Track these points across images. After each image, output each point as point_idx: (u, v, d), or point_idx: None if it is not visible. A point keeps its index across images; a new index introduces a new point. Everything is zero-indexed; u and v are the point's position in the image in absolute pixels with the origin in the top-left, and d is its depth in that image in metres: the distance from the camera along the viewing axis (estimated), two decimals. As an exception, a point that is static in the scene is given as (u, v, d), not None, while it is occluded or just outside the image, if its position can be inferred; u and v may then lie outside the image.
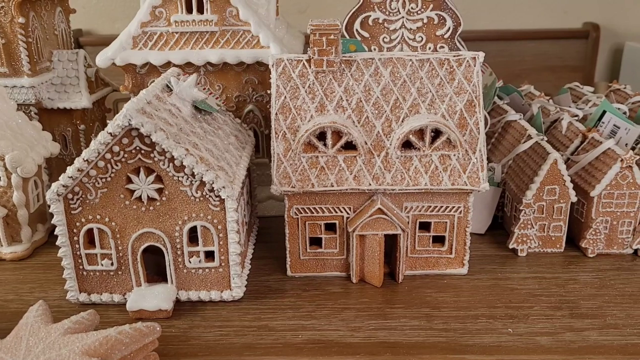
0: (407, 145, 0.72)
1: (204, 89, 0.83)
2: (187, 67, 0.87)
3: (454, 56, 0.73)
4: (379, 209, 0.71)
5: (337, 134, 0.71)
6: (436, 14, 0.86)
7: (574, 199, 0.79)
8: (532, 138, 0.84)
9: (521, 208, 0.79)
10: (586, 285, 0.74)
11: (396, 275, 0.75)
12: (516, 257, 0.81)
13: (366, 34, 0.87)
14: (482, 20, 1.92)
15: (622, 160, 0.76)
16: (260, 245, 0.85)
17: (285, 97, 0.73)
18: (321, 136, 0.71)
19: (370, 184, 0.71)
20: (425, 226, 0.75)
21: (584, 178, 0.80)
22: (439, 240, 0.76)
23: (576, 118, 0.91)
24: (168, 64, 0.86)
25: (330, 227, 0.75)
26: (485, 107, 1.03)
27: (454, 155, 0.71)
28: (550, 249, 0.81)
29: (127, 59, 0.86)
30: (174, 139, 0.64)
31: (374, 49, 0.88)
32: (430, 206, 0.73)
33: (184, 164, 0.63)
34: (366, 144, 0.72)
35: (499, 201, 0.88)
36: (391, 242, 0.75)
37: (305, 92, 0.73)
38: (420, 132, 0.71)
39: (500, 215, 0.90)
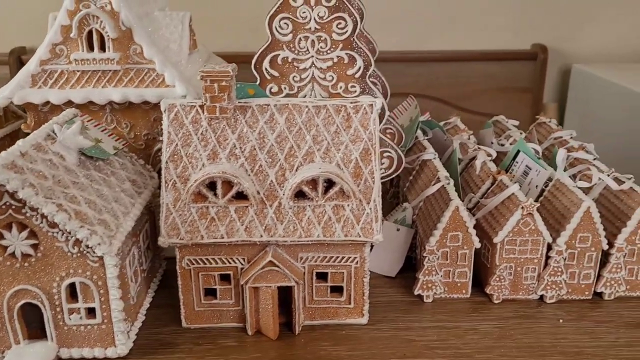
0: (300, 195, 0.70)
1: (104, 130, 0.80)
2: (91, 106, 0.84)
3: (351, 103, 0.72)
4: (270, 261, 0.69)
5: (228, 184, 0.69)
6: (346, 54, 0.84)
7: (478, 245, 0.78)
8: (440, 181, 0.83)
9: (424, 255, 0.78)
10: (485, 336, 0.73)
11: (293, 327, 0.73)
12: (422, 303, 0.80)
13: (276, 73, 0.85)
14: (431, 42, 1.92)
15: (522, 207, 0.75)
16: (163, 291, 0.82)
17: (176, 144, 0.71)
18: (212, 186, 0.69)
19: (261, 236, 0.69)
20: (323, 276, 0.73)
21: (490, 223, 0.79)
22: (338, 289, 0.74)
23: (490, 158, 0.90)
24: (70, 103, 0.83)
25: (225, 278, 0.73)
26: (408, 143, 1.02)
27: (348, 205, 0.69)
28: (456, 294, 0.80)
29: (25, 98, 0.83)
30: (45, 195, 0.61)
31: (285, 88, 0.86)
32: (326, 256, 0.71)
33: (55, 221, 0.61)
34: (259, 193, 0.70)
35: (412, 242, 0.87)
36: (291, 292, 0.73)
37: (198, 139, 0.71)
38: (314, 182, 0.69)
39: (413, 257, 0.88)
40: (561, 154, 0.82)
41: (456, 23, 1.92)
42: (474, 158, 0.93)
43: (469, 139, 1.00)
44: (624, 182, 0.80)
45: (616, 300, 0.80)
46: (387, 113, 0.89)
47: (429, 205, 0.83)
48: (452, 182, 0.82)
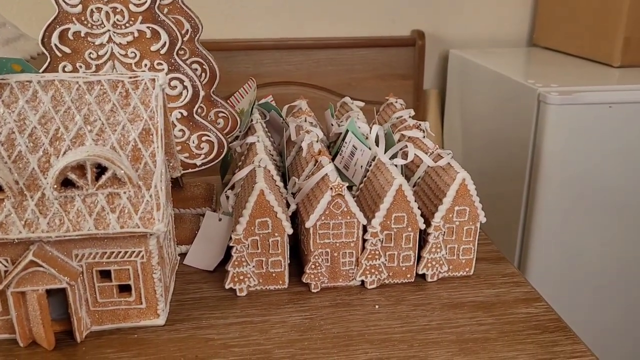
0: (69, 183, 0.61)
1: None
2: None
3: (130, 78, 0.64)
4: (32, 261, 0.60)
5: (-22, 174, 0.59)
6: (148, 27, 0.76)
7: (290, 230, 0.72)
8: (253, 164, 0.77)
9: (231, 244, 0.71)
10: (292, 329, 0.67)
11: (74, 334, 0.64)
12: (235, 298, 0.73)
13: (67, 50, 0.76)
14: (310, 28, 1.87)
15: (331, 187, 0.70)
16: None
17: None
18: (-43, 177, 0.59)
19: (20, 232, 0.60)
20: (107, 274, 0.65)
21: (305, 207, 0.74)
22: (127, 289, 0.66)
23: (316, 139, 0.85)
24: None
25: (-12, 283, 0.63)
26: (244, 126, 0.96)
27: (125, 193, 0.61)
28: (273, 286, 0.74)
29: None
30: None
31: (80, 67, 0.77)
32: (105, 252, 0.63)
33: None
34: (17, 183, 0.60)
35: (235, 232, 0.80)
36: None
37: (-57, 123, 0.60)
38: (82, 168, 0.61)
39: (237, 248, 0.81)
40: (374, 130, 0.77)
41: (335, 9, 1.88)
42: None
43: (305, 121, 0.95)
44: (443, 157, 0.77)
45: (439, 282, 0.77)
46: (202, 94, 0.82)
47: (243, 191, 0.77)
48: (266, 165, 0.76)
